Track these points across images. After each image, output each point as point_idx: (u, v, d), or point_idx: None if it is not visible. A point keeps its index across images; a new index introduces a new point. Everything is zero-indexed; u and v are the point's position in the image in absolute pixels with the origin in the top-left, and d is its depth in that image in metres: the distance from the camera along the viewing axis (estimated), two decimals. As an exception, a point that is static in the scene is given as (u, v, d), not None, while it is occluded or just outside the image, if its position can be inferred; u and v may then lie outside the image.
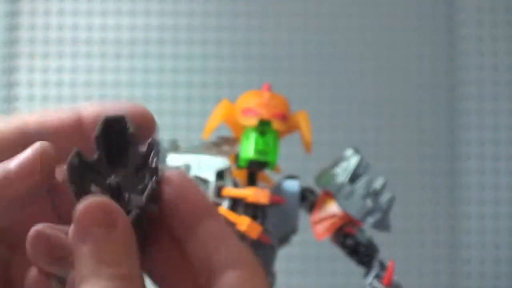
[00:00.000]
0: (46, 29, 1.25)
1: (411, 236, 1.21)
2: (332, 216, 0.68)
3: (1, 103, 1.23)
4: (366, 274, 0.68)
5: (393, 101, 1.24)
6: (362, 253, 0.68)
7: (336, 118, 1.23)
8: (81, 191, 0.26)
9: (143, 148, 0.27)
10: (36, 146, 0.27)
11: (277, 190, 0.69)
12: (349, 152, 0.70)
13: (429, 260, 1.20)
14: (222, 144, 0.69)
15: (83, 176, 0.26)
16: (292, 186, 0.70)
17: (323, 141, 1.21)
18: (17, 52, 1.24)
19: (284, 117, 0.68)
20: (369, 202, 0.66)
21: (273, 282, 0.69)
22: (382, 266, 0.67)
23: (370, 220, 0.67)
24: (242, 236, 0.65)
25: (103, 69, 1.24)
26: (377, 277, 0.66)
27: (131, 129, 0.27)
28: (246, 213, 0.66)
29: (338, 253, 0.69)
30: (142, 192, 0.26)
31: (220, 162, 0.66)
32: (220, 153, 0.67)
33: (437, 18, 1.25)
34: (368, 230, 0.69)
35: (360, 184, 0.67)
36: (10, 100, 1.23)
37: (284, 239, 0.71)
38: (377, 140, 1.22)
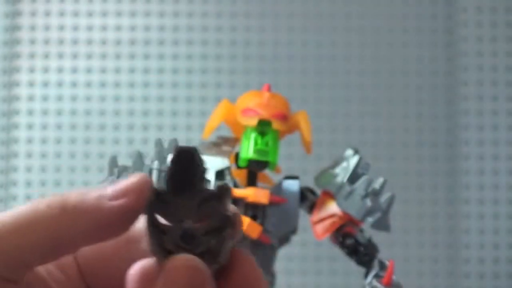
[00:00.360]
0: (46, 30, 1.25)
1: (411, 236, 1.21)
2: (332, 215, 0.68)
3: (1, 103, 1.23)
4: (366, 274, 0.68)
5: (392, 101, 1.24)
6: (361, 253, 0.68)
7: (336, 118, 1.23)
8: (156, 231, 0.26)
9: (210, 186, 0.27)
10: (134, 175, 0.26)
11: (277, 190, 0.69)
12: (349, 152, 0.70)
13: (429, 260, 1.21)
14: (222, 144, 0.69)
15: (156, 211, 0.26)
16: (292, 186, 0.70)
17: (323, 141, 1.21)
18: (17, 52, 1.25)
19: (284, 117, 0.68)
20: (368, 202, 0.66)
21: (273, 282, 0.70)
22: (382, 266, 0.67)
23: (370, 220, 0.67)
24: (242, 236, 0.65)
25: (103, 69, 1.25)
26: (377, 276, 0.66)
27: (201, 162, 0.27)
28: (246, 213, 0.66)
29: (338, 253, 0.69)
30: (210, 233, 0.26)
31: (220, 162, 0.66)
32: (220, 153, 0.67)
33: (437, 18, 1.25)
34: (367, 230, 0.69)
35: (360, 184, 0.67)
36: (11, 100, 1.24)
37: (284, 239, 0.71)
38: (377, 140, 1.22)
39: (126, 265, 0.27)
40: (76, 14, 1.25)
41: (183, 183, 0.26)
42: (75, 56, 1.25)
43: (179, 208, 0.26)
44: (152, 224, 0.26)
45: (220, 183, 0.27)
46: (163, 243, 0.25)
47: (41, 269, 0.26)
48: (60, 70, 1.25)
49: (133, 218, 0.26)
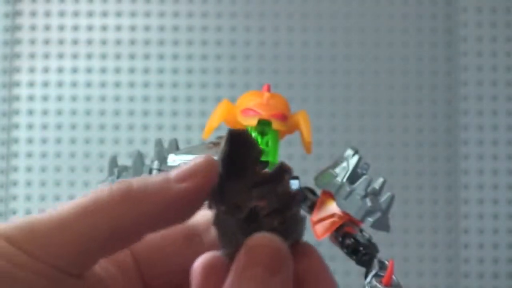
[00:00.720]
0: (46, 30, 1.25)
1: (410, 236, 1.21)
2: (332, 215, 0.68)
3: (2, 103, 1.23)
4: (366, 273, 0.68)
5: (392, 101, 1.24)
6: (361, 253, 0.68)
7: (336, 118, 1.23)
8: (221, 215, 0.25)
9: (263, 168, 0.26)
10: (200, 158, 0.25)
11: (277, 190, 0.69)
12: (348, 152, 0.70)
13: (428, 260, 1.21)
14: (222, 144, 0.69)
15: (216, 195, 0.25)
16: (292, 186, 0.70)
17: (323, 141, 1.21)
18: (17, 52, 1.25)
19: (284, 117, 0.68)
20: (368, 202, 0.67)
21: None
22: (382, 266, 0.67)
23: (370, 220, 0.67)
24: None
25: (104, 69, 1.25)
26: (377, 276, 0.66)
27: (254, 144, 0.26)
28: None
29: (338, 253, 0.70)
30: (272, 213, 0.25)
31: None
32: (220, 153, 0.67)
33: (436, 18, 1.25)
34: (367, 230, 0.69)
35: (359, 184, 0.67)
36: (11, 100, 1.24)
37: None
38: (377, 140, 1.23)
39: (187, 260, 0.26)
40: (76, 14, 1.26)
41: (238, 166, 0.26)
42: (75, 56, 1.25)
43: (238, 191, 0.25)
44: (216, 208, 0.25)
45: (279, 163, 0.26)
46: (229, 227, 0.25)
47: (97, 267, 0.25)
48: (60, 70, 1.25)
49: (200, 201, 0.25)
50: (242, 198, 0.25)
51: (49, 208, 0.24)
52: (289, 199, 0.26)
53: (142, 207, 0.24)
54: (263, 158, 0.66)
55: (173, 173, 0.25)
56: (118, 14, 1.26)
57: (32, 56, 1.25)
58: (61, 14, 1.26)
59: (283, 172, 0.27)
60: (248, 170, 0.26)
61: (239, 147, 0.26)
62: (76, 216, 0.23)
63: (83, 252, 0.23)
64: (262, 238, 0.24)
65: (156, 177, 0.24)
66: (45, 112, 1.24)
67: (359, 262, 0.68)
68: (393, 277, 0.65)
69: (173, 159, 0.68)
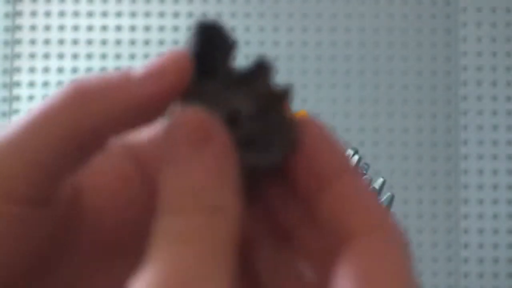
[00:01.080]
0: (47, 30, 1.25)
1: (410, 236, 1.21)
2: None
3: (2, 103, 1.24)
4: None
5: (392, 101, 1.24)
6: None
7: (336, 118, 1.23)
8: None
9: (238, 64, 0.22)
10: (169, 53, 0.21)
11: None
12: (348, 152, 0.70)
13: (428, 260, 1.21)
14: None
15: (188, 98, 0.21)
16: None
17: (323, 141, 1.21)
18: (18, 52, 1.25)
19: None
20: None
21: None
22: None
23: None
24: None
25: (104, 70, 1.25)
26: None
27: (228, 37, 0.22)
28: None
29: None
30: (255, 117, 0.21)
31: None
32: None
33: (436, 18, 1.25)
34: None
35: (359, 184, 0.67)
36: (11, 101, 1.24)
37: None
38: (377, 140, 1.23)
39: None
40: (76, 14, 1.26)
41: (211, 63, 0.22)
42: (75, 56, 1.25)
43: (213, 92, 0.21)
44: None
45: (258, 58, 0.22)
46: None
47: (78, 186, 0.22)
48: (60, 70, 1.25)
49: (169, 103, 0.21)
50: (217, 100, 0.21)
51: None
52: (274, 100, 0.22)
53: (100, 108, 0.20)
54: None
55: (137, 70, 0.21)
56: (118, 15, 1.26)
57: (32, 56, 1.25)
58: (61, 14, 1.26)
59: (263, 67, 0.22)
60: (223, 68, 0.22)
61: (211, 41, 0.22)
62: (24, 134, 0.20)
63: (38, 175, 0.19)
64: (181, 113, 0.20)
65: (116, 74, 0.21)
66: (45, 112, 1.24)
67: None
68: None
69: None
